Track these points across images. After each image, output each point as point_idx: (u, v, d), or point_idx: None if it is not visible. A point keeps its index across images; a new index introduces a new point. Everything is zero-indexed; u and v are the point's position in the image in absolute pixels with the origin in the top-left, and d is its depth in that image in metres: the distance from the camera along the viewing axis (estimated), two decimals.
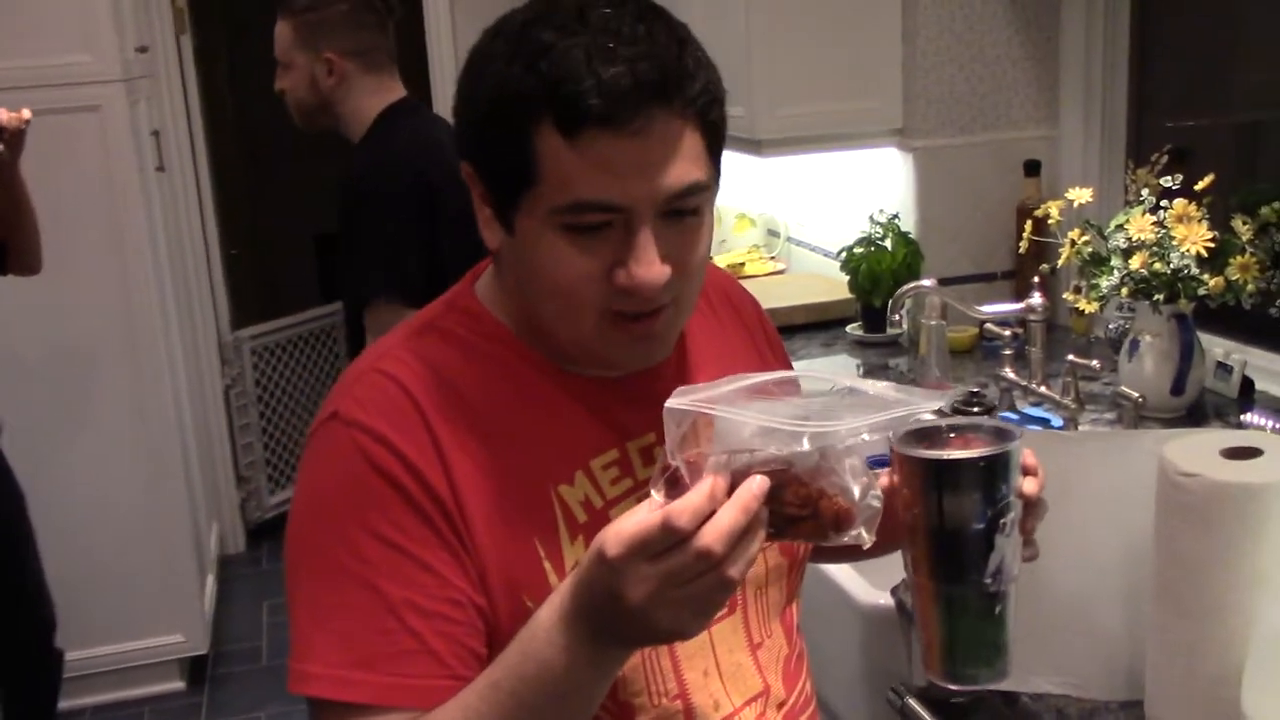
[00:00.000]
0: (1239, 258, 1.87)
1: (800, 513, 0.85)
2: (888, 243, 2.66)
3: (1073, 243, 2.03)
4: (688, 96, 0.93)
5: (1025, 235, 2.17)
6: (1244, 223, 1.89)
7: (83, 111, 3.15)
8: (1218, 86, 2.40)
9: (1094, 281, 2.00)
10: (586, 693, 0.90)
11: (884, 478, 0.94)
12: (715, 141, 0.97)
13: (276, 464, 4.69)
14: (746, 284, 1.63)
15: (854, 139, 2.72)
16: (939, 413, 0.93)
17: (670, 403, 0.86)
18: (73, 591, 3.04)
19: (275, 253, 4.96)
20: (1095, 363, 1.98)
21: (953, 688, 0.95)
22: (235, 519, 4.49)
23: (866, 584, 1.79)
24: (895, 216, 2.70)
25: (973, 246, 2.69)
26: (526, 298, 1.01)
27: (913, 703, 1.38)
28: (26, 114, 2.44)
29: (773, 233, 3.53)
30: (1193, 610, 1.12)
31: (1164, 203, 1.95)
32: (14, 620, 2.77)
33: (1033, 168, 2.60)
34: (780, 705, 1.10)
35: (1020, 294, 2.46)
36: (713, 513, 0.81)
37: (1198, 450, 1.13)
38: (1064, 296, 2.19)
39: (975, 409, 2.15)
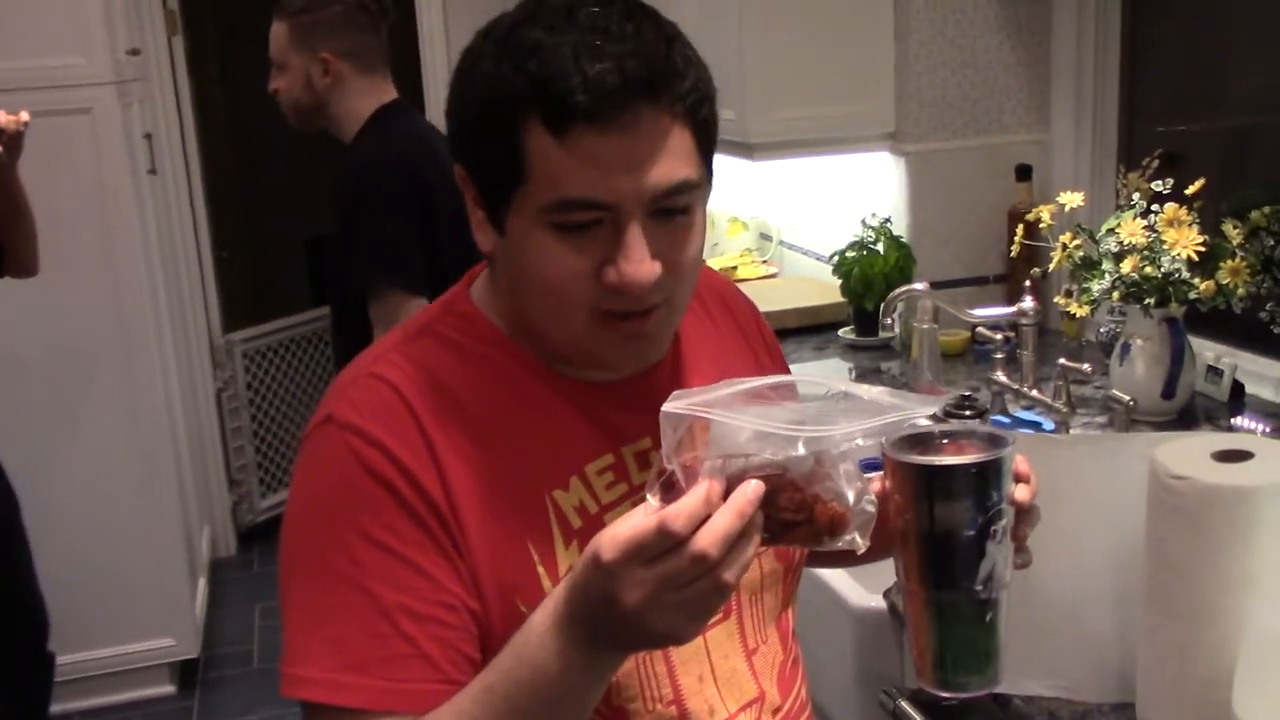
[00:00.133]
0: (1229, 262, 1.87)
1: (795, 518, 0.85)
2: (880, 246, 2.67)
3: (1064, 247, 2.03)
4: (676, 94, 0.93)
5: (1017, 239, 2.17)
6: (1234, 227, 1.90)
7: (75, 114, 3.14)
8: (1208, 91, 2.41)
9: (1085, 285, 2.00)
10: (580, 697, 0.90)
11: (876, 483, 0.94)
12: (705, 140, 0.97)
13: (268, 467, 4.68)
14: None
15: (846, 143, 2.72)
16: (934, 418, 0.93)
17: (667, 407, 0.86)
18: (64, 595, 3.03)
19: (267, 256, 4.95)
20: (1086, 366, 1.98)
21: (944, 695, 0.95)
22: (227, 522, 4.48)
23: (859, 587, 1.79)
24: (887, 220, 2.70)
25: (964, 250, 2.70)
26: (519, 299, 1.01)
27: (905, 705, 1.38)
28: (25, 116, 2.46)
29: (765, 236, 3.53)
30: (1184, 612, 1.13)
31: (1155, 207, 1.95)
32: (6, 624, 2.76)
33: (1024, 172, 2.61)
34: (775, 711, 1.10)
35: (1012, 298, 2.46)
36: (708, 517, 0.81)
37: (1189, 453, 1.13)
38: (1055, 300, 2.20)
39: (967, 412, 2.16)
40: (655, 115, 0.92)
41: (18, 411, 3.04)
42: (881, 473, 0.94)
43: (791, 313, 2.81)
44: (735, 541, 0.81)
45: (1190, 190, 1.95)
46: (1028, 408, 2.13)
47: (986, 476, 0.90)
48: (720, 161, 1.03)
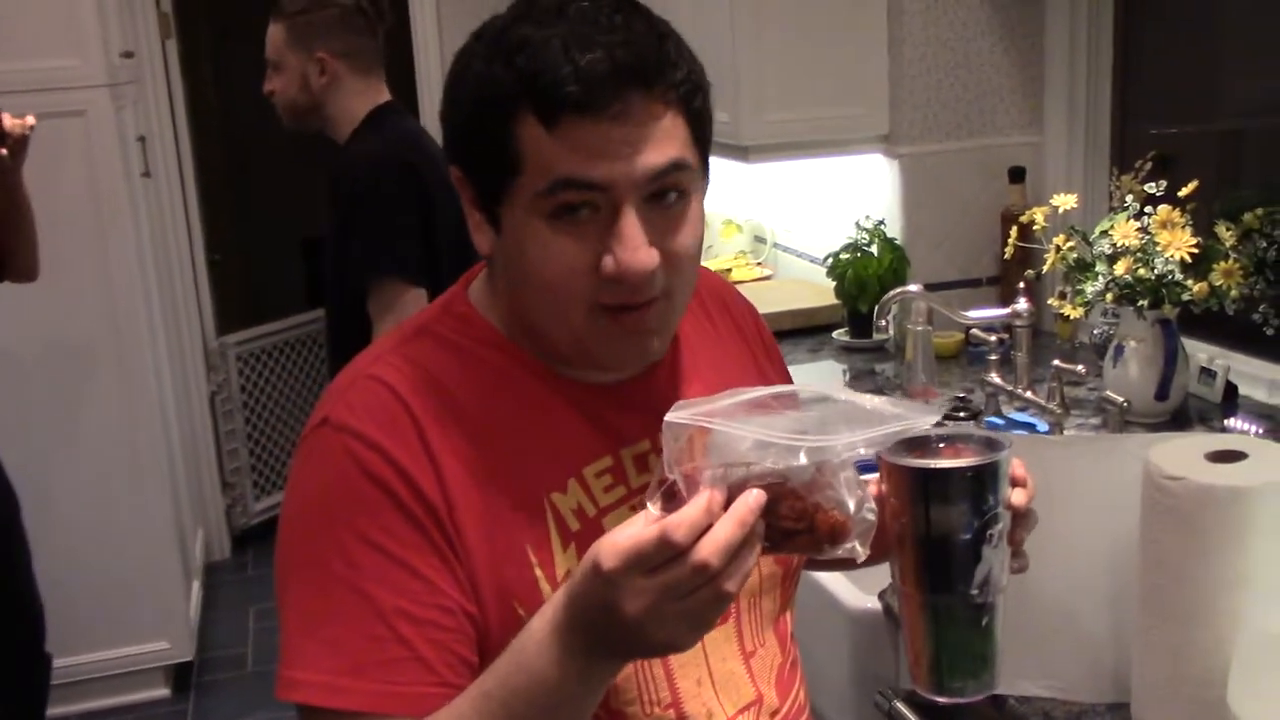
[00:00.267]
0: (1222, 263, 1.88)
1: (796, 526, 0.85)
2: (874, 249, 2.67)
3: (1058, 248, 2.04)
4: (669, 82, 0.93)
5: (1010, 241, 2.18)
6: (1227, 229, 1.90)
7: (68, 116, 3.14)
8: (1201, 94, 2.42)
9: (1079, 287, 2.01)
10: (578, 704, 0.90)
11: (873, 486, 0.94)
12: (700, 131, 0.97)
13: (262, 470, 4.67)
14: None
15: (840, 145, 2.73)
16: (938, 426, 0.93)
17: (670, 416, 0.86)
18: (58, 597, 3.02)
19: (261, 258, 4.95)
20: (1080, 368, 1.99)
21: (939, 700, 0.95)
22: (221, 525, 4.47)
23: (854, 588, 1.80)
24: (881, 222, 2.71)
25: (958, 252, 2.70)
26: (519, 298, 1.01)
27: (900, 706, 1.38)
28: (31, 120, 2.47)
29: (759, 239, 3.54)
30: (1178, 613, 1.13)
31: (1148, 209, 1.96)
32: (6, 624, 2.77)
33: (1018, 174, 2.62)
34: (774, 713, 1.09)
35: (1005, 299, 2.47)
36: (709, 526, 0.81)
37: (1183, 454, 1.14)
38: (1049, 302, 2.20)
39: (961, 414, 2.16)
40: (647, 103, 0.92)
41: (11, 414, 3.03)
42: (878, 476, 0.94)
43: (786, 315, 2.82)
44: (736, 551, 0.81)
45: (1183, 192, 1.96)
46: (1022, 409, 2.13)
47: (983, 480, 0.90)
48: (715, 164, 1.03)
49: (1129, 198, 2.00)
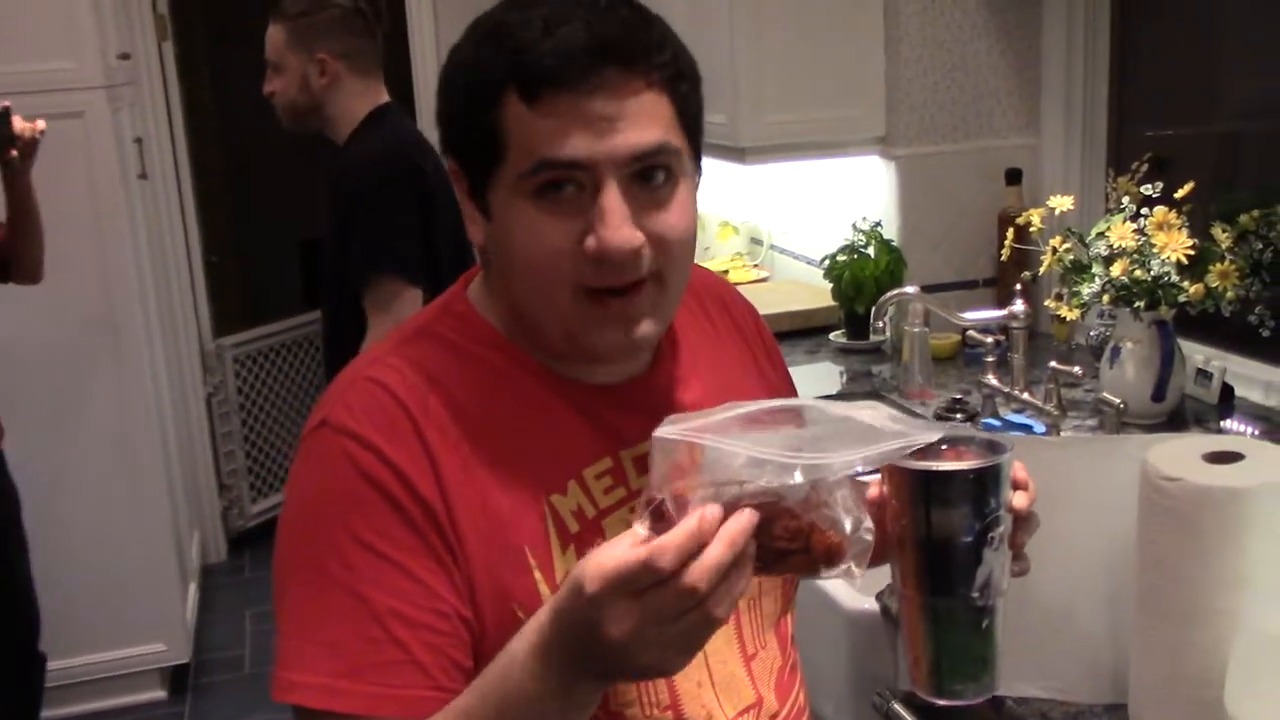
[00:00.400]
0: (1219, 265, 1.88)
1: (790, 546, 0.82)
2: (870, 250, 2.68)
3: (1054, 250, 2.04)
4: (653, 62, 0.93)
5: (1007, 243, 2.18)
6: (1223, 230, 1.91)
7: (65, 118, 3.13)
8: (1197, 96, 2.42)
9: (1075, 289, 2.01)
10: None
11: (873, 488, 0.94)
12: (687, 115, 0.97)
13: (259, 472, 4.67)
14: None
15: (837, 147, 2.73)
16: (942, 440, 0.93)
17: (659, 432, 0.83)
18: (55, 600, 3.02)
19: (258, 260, 4.94)
20: (1077, 369, 1.99)
21: (938, 703, 0.95)
22: (217, 527, 4.47)
23: (852, 590, 1.80)
24: (878, 224, 2.71)
25: (955, 254, 2.71)
26: (509, 287, 1.01)
27: (898, 707, 1.38)
28: (41, 125, 2.51)
29: (756, 240, 3.54)
30: (1176, 613, 1.13)
31: (1144, 210, 1.96)
32: (3, 622, 2.78)
33: (1014, 176, 2.62)
34: (773, 716, 1.09)
35: (1002, 301, 2.47)
36: (699, 548, 0.78)
37: (1180, 455, 1.14)
38: (1046, 303, 2.20)
39: (957, 415, 2.17)
40: (626, 78, 0.92)
41: (8, 414, 3.02)
42: (879, 478, 0.94)
43: (783, 316, 2.82)
44: (726, 574, 0.78)
45: (1179, 194, 1.96)
46: (1018, 411, 2.13)
47: (985, 483, 0.90)
48: (712, 165, 1.04)
49: (1125, 199, 2.00)
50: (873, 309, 2.36)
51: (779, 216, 3.40)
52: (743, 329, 1.21)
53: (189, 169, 4.30)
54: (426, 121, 3.78)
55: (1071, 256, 2.03)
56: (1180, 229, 1.91)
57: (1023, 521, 0.95)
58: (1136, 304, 1.94)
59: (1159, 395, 2.00)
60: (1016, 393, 2.12)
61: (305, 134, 2.60)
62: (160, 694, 3.56)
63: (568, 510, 1.00)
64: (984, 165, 2.66)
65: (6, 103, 2.51)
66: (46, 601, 2.91)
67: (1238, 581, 1.09)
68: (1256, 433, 1.95)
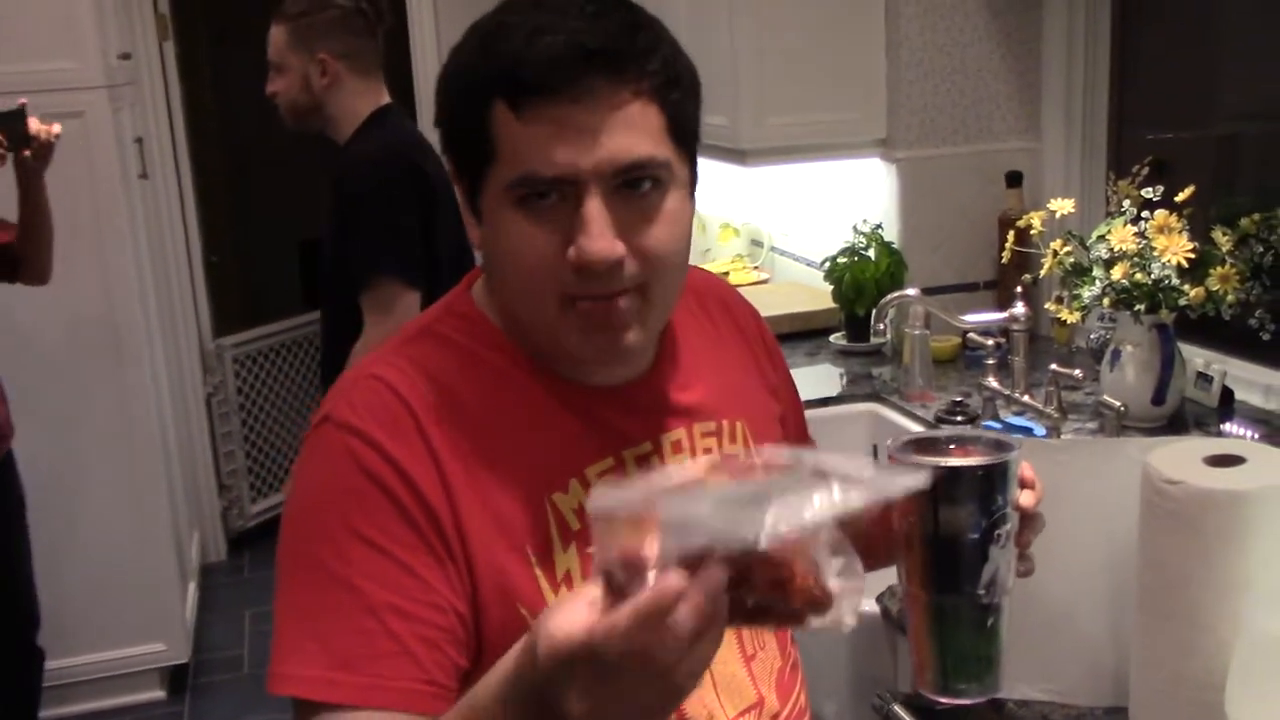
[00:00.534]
0: (1219, 269, 1.89)
1: (769, 597, 0.73)
2: (871, 252, 2.68)
3: (1055, 253, 2.04)
4: (639, 71, 0.93)
5: (1008, 246, 2.18)
6: (1224, 234, 1.91)
7: (66, 118, 3.11)
8: (1198, 99, 2.43)
9: (1076, 292, 2.01)
10: None
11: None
12: (678, 124, 0.97)
13: (258, 472, 4.67)
14: None
15: (838, 149, 2.73)
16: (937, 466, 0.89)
17: (594, 504, 0.74)
18: (53, 599, 3.03)
19: (258, 260, 4.95)
20: (1077, 372, 1.99)
21: (942, 701, 0.95)
22: (217, 527, 4.47)
23: None
24: (878, 226, 2.71)
25: (955, 257, 2.71)
26: (501, 291, 1.02)
27: (898, 709, 1.38)
28: (57, 128, 2.55)
29: (756, 242, 3.54)
30: (1177, 616, 1.13)
31: (1145, 214, 1.96)
32: (4, 617, 2.79)
33: (1015, 179, 2.62)
34: (774, 716, 1.09)
35: (1002, 304, 2.47)
36: (660, 619, 0.69)
37: (1182, 458, 1.14)
38: (1046, 306, 2.21)
39: (958, 418, 2.17)
40: (612, 89, 0.92)
41: (7, 416, 3.02)
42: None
43: (783, 318, 2.82)
44: (693, 642, 0.69)
45: (1180, 197, 1.96)
46: (1019, 413, 2.14)
47: (992, 480, 0.90)
48: (712, 167, 1.04)
49: (1126, 203, 2.01)
50: (873, 311, 2.36)
51: (780, 218, 3.41)
52: (744, 330, 1.22)
53: (190, 169, 4.31)
54: (427, 121, 3.79)
55: (1072, 259, 2.04)
56: (1181, 232, 1.91)
57: (1029, 520, 0.95)
58: (1137, 307, 1.94)
59: (1159, 398, 2.01)
60: (1017, 395, 2.12)
61: (307, 134, 2.60)
62: (159, 694, 3.56)
63: (569, 508, 1.01)
64: (984, 168, 2.66)
65: (23, 100, 2.52)
66: (46, 600, 2.92)
67: (1239, 584, 1.09)
68: (1257, 436, 1.95)
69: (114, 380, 3.33)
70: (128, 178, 3.43)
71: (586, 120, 0.92)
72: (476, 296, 1.08)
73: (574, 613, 0.72)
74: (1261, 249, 1.90)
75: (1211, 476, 1.11)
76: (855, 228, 2.74)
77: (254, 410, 4.63)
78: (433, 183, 2.40)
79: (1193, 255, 1.88)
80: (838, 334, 2.77)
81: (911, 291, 2.30)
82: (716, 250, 3.61)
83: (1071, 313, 2.03)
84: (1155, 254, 1.91)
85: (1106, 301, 1.97)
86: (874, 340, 2.68)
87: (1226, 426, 2.01)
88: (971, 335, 2.29)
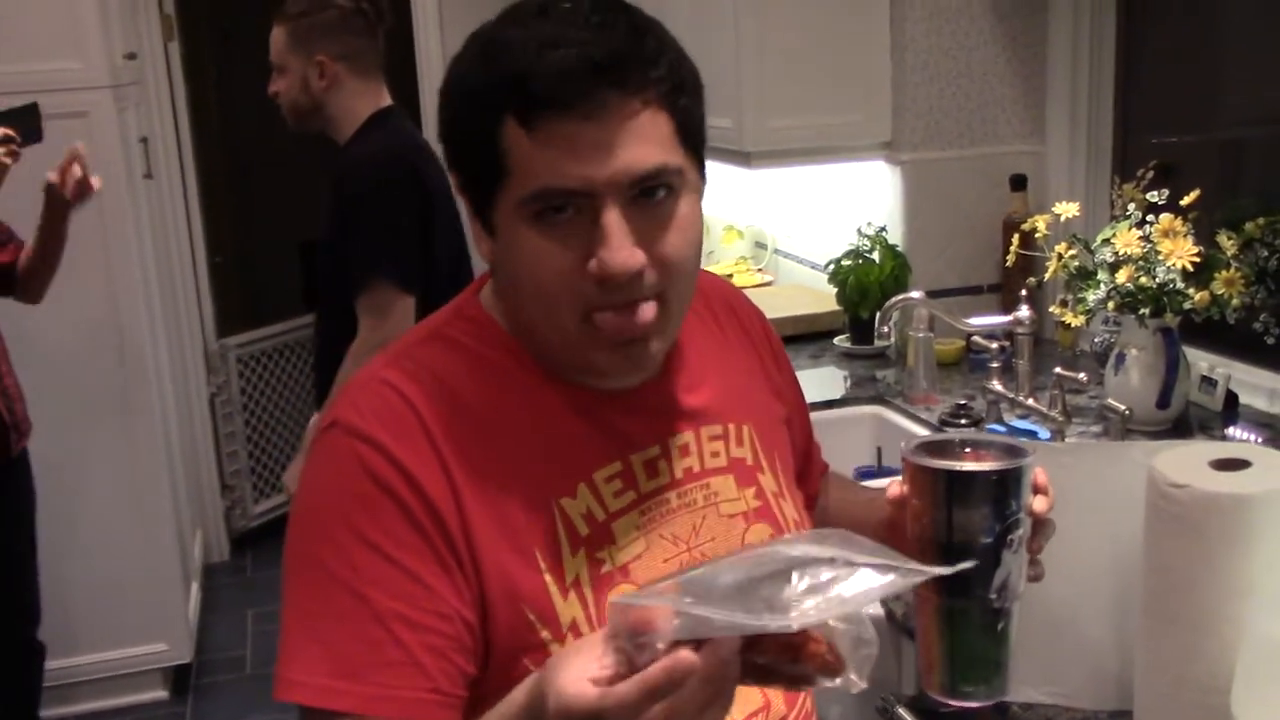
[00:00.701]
0: (1224, 272, 1.89)
1: (780, 660, 0.76)
2: (875, 255, 2.68)
3: (1060, 256, 2.04)
4: (647, 79, 0.93)
5: (1012, 249, 2.18)
6: (1229, 238, 1.91)
7: (71, 118, 3.14)
8: (1202, 103, 2.43)
9: (1080, 295, 2.01)
10: None
11: (894, 487, 0.94)
12: (688, 129, 0.97)
13: (261, 473, 4.67)
14: None
15: (842, 152, 2.73)
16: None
17: (614, 598, 0.77)
18: (56, 598, 3.03)
19: (262, 260, 4.95)
20: (1082, 376, 1.99)
21: (950, 703, 0.95)
22: (220, 527, 4.47)
23: None
24: (883, 229, 2.71)
25: (960, 260, 2.71)
26: (518, 306, 1.02)
27: (902, 712, 1.38)
28: (98, 182, 2.68)
29: (760, 245, 3.54)
30: (1182, 619, 1.13)
31: (1150, 218, 1.97)
32: (7, 614, 2.81)
33: (1019, 182, 2.62)
34: (781, 719, 1.09)
35: (1007, 307, 2.47)
36: (670, 687, 0.73)
37: (1187, 461, 1.14)
38: (1050, 310, 2.21)
39: (962, 421, 2.17)
40: (623, 100, 0.92)
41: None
42: (900, 478, 0.94)
43: (787, 321, 2.82)
44: (702, 708, 0.74)
45: (1185, 201, 1.96)
46: (1023, 416, 2.14)
47: (1006, 485, 0.90)
48: (716, 169, 1.04)
49: (1131, 206, 2.01)
50: (877, 314, 2.36)
51: (784, 221, 3.41)
52: (750, 333, 1.22)
53: (194, 169, 4.31)
54: (431, 123, 3.79)
55: (1077, 263, 2.04)
56: (1185, 236, 1.91)
57: (1041, 526, 0.96)
58: (1141, 311, 1.94)
59: (1164, 402, 2.00)
60: (1021, 399, 2.12)
61: (310, 134, 2.60)
62: (162, 694, 3.56)
63: (577, 513, 1.00)
64: (989, 171, 2.66)
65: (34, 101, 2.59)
66: (49, 599, 2.93)
67: (1244, 588, 1.09)
68: (1261, 440, 1.95)
69: (118, 380, 3.34)
70: (133, 178, 3.44)
71: (599, 134, 0.91)
72: (485, 300, 1.08)
73: (584, 670, 0.76)
74: (1266, 253, 1.90)
75: (1216, 480, 1.11)
76: (859, 230, 2.74)
77: (257, 410, 4.63)
78: (431, 187, 2.40)
79: (1197, 259, 1.88)
80: (842, 337, 2.77)
81: (916, 294, 2.30)
82: (720, 253, 3.61)
83: (1076, 316, 2.03)
84: (1160, 258, 1.91)
85: (1111, 305, 1.97)
86: (878, 343, 2.68)
87: (1231, 430, 2.01)
88: (976, 338, 2.28)
